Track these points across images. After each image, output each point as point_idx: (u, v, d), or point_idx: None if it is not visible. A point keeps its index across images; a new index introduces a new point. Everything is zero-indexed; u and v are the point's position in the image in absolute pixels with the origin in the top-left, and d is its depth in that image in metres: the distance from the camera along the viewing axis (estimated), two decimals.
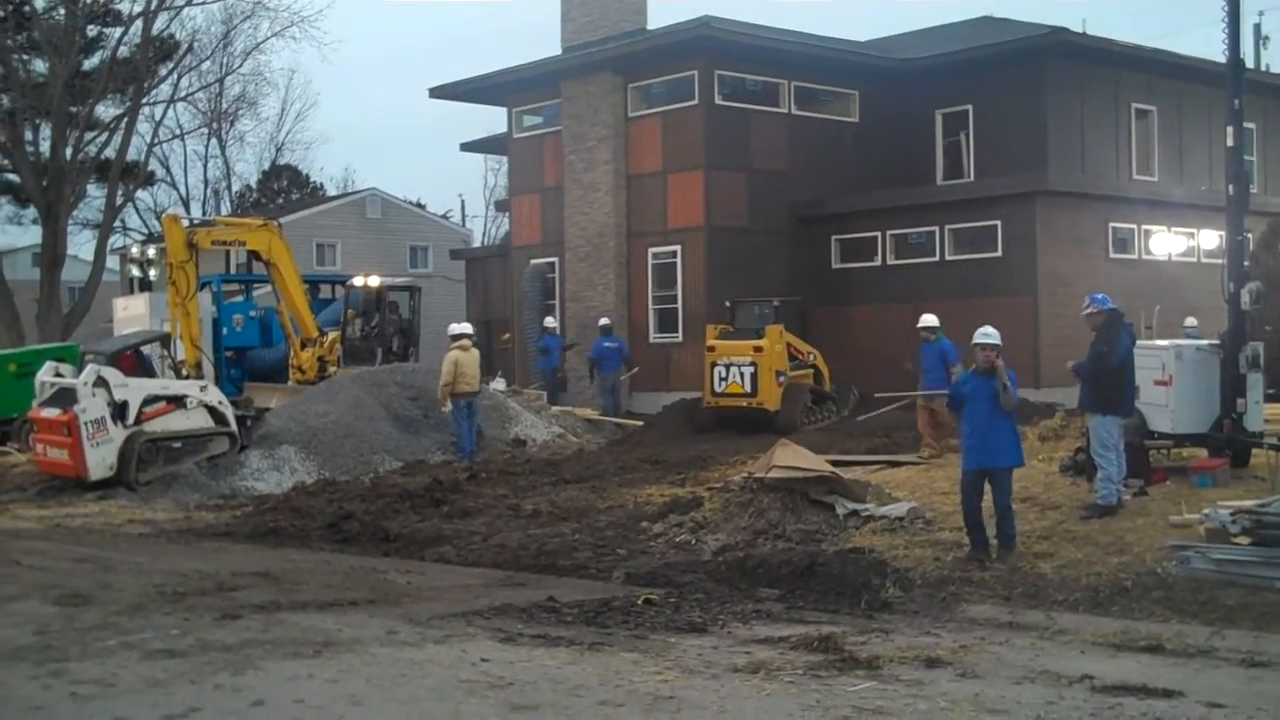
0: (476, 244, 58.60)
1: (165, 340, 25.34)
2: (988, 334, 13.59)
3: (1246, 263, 17.89)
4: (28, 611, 11.57)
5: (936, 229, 30.75)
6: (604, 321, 31.04)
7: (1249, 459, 16.28)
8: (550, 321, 32.60)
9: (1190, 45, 59.65)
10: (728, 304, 28.68)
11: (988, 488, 13.22)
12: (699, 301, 31.63)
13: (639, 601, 11.60)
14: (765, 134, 32.80)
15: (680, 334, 31.64)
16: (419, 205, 60.74)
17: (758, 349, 26.02)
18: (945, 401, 14.23)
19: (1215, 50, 17.29)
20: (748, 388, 25.96)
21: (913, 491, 15.63)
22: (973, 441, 13.23)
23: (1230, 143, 16.86)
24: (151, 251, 43.32)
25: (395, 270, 42.18)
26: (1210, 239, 30.78)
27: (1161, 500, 14.75)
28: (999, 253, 29.53)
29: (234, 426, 21.87)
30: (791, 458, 15.73)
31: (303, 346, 28.35)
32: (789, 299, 28.77)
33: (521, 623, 10.93)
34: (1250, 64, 41.50)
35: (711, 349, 26.60)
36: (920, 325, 21.07)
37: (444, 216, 63.04)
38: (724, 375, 26.21)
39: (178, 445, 21.26)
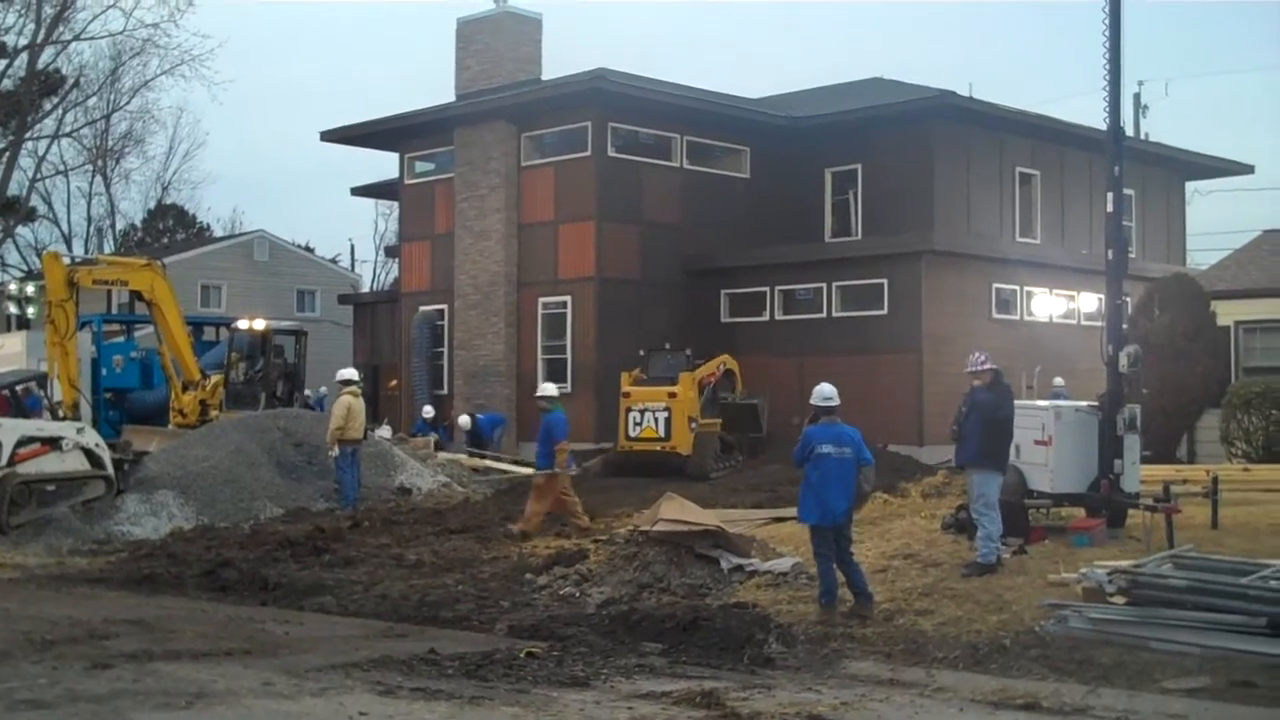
0: (365, 289, 58.20)
1: (42, 380, 24.75)
2: (827, 396, 13.66)
3: (1125, 326, 18.28)
4: None
5: (824, 285, 31.11)
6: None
7: (1125, 520, 16.56)
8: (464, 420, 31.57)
9: (1073, 111, 61.36)
10: (641, 352, 29.11)
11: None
12: (588, 352, 31.66)
13: (521, 654, 11.49)
14: (657, 187, 33.02)
15: (570, 384, 31.60)
16: (308, 249, 60.22)
17: (672, 395, 26.72)
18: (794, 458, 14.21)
19: (1097, 117, 17.72)
20: (661, 432, 26.62)
21: (797, 547, 15.67)
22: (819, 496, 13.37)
23: (1110, 209, 17.23)
24: (30, 289, 42.50)
25: (282, 314, 41.76)
26: (1090, 301, 31.46)
27: (1040, 559, 14.93)
28: (885, 310, 29.95)
29: (111, 470, 21.37)
30: (678, 511, 15.73)
31: (184, 389, 27.89)
32: (685, 353, 29.00)
33: (401, 675, 10.78)
34: (1130, 131, 42.62)
35: (627, 394, 27.25)
36: (538, 395, 20.23)
37: (333, 260, 62.56)
38: (639, 420, 26.83)
39: (52, 488, 20.72)
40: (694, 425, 26.70)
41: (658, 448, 26.70)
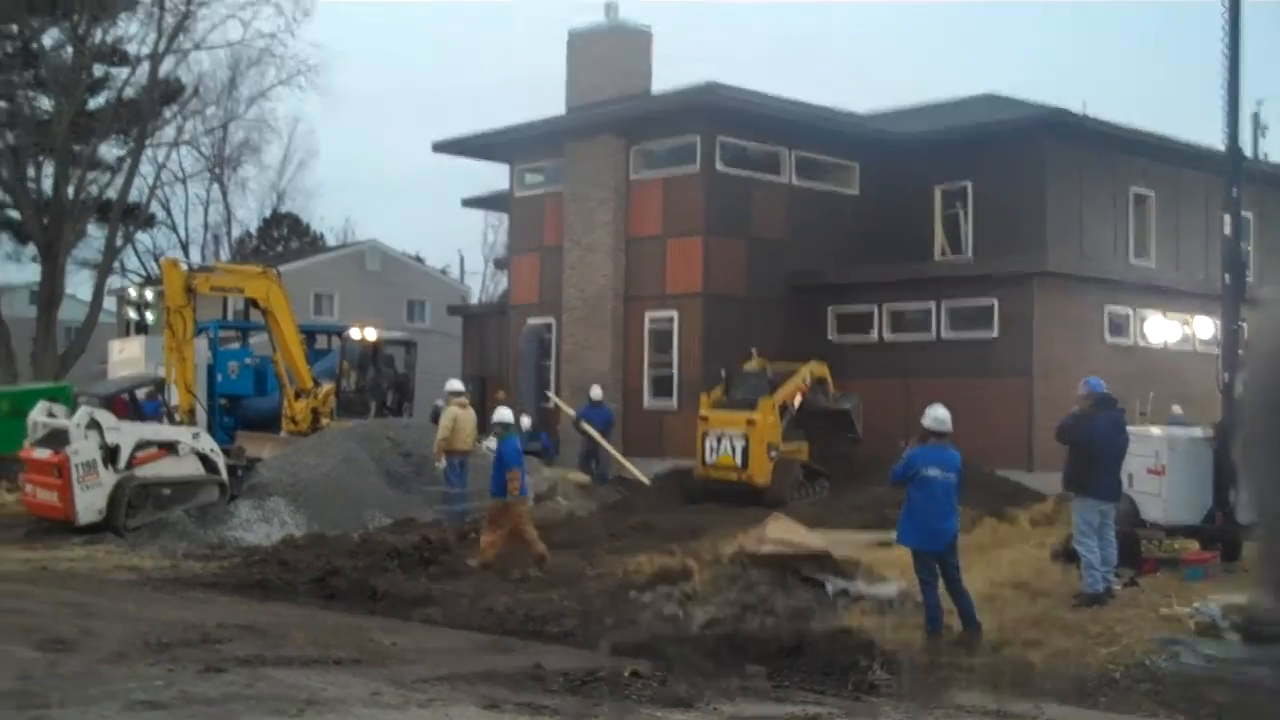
0: (474, 300, 58.70)
1: (160, 385, 25.29)
2: (940, 418, 13.55)
3: (1241, 352, 17.95)
4: (9, 656, 11.51)
5: (933, 305, 30.82)
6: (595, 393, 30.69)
7: (1241, 553, 16.25)
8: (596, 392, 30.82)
9: (1190, 131, 60.22)
10: (723, 370, 28.40)
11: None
12: (695, 368, 31.64)
13: (625, 673, 11.53)
14: (765, 202, 32.97)
15: (675, 401, 31.63)
16: (418, 259, 60.88)
17: (750, 422, 25.74)
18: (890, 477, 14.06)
19: (1215, 137, 17.43)
20: (739, 461, 25.68)
21: (903, 572, 15.52)
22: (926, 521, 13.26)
23: (1227, 231, 16.97)
24: (149, 294, 43.39)
25: (392, 324, 42.18)
26: (1206, 326, 30.86)
27: (1152, 591, 14.72)
28: (994, 333, 29.61)
29: (225, 475, 21.83)
30: (783, 532, 15.68)
31: (297, 397, 28.30)
32: (789, 369, 28.51)
33: (507, 689, 10.87)
34: (1248, 152, 41.77)
35: (704, 419, 26.41)
36: (494, 420, 18.94)
37: (443, 271, 63.20)
38: (715, 447, 26.01)
39: (167, 492, 21.20)
40: (774, 454, 25.93)
41: (734, 477, 25.85)
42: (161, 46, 46.84)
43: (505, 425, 18.56)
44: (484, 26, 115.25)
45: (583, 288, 33.87)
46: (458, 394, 23.64)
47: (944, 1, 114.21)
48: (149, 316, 42.10)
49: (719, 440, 25.90)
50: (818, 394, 28.18)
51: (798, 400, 27.25)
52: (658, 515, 23.67)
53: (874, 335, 32.00)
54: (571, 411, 30.51)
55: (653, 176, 33.47)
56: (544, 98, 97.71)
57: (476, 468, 24.24)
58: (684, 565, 16.77)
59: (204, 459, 21.66)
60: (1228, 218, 17.03)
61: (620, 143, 33.63)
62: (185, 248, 65.45)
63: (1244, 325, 20.46)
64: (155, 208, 61.25)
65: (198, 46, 49.39)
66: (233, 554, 19.50)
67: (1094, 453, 14.79)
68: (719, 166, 32.29)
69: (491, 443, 29.20)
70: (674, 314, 32.38)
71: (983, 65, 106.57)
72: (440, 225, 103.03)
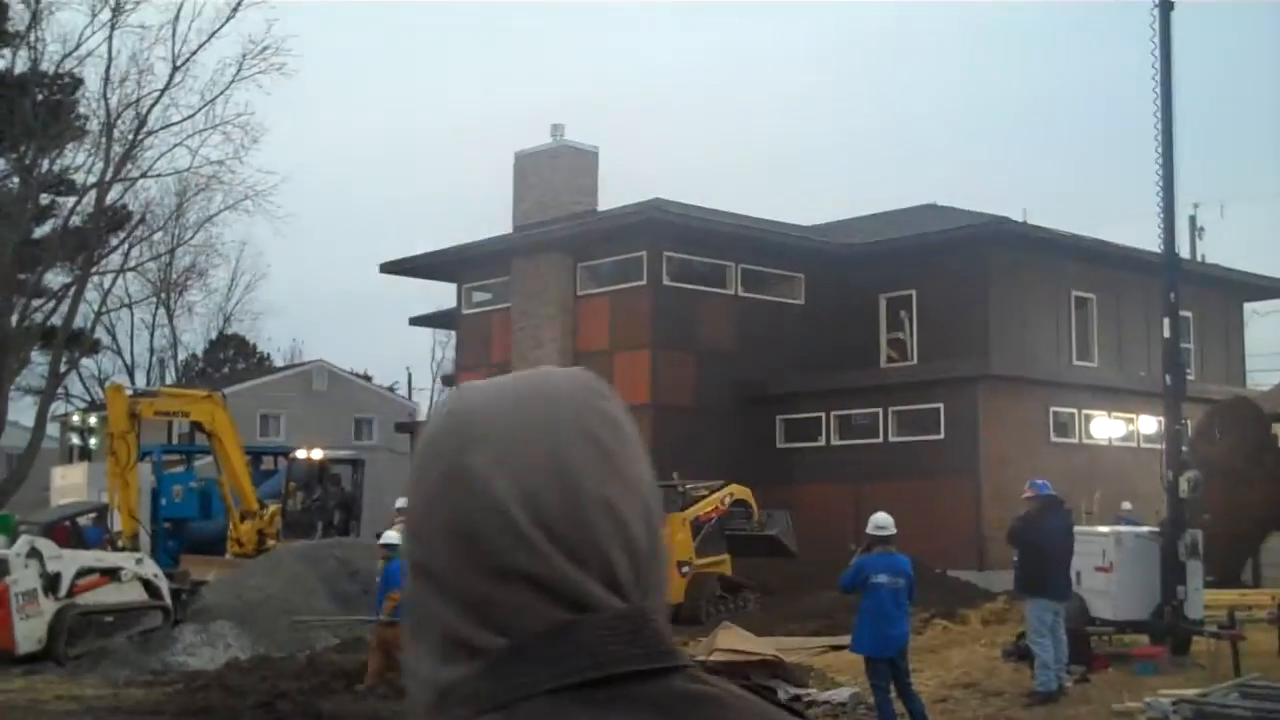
0: (422, 417, 58.43)
1: (103, 511, 24.98)
2: (881, 525, 13.53)
3: (1185, 450, 18.11)
4: None
5: (880, 410, 31.01)
6: None
7: (1190, 647, 16.27)
8: None
9: (1129, 235, 61.30)
10: None
11: None
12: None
13: None
14: (712, 315, 33.16)
15: None
16: (365, 377, 60.71)
17: None
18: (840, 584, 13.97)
19: (1153, 240, 17.73)
20: None
21: (854, 676, 15.43)
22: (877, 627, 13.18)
23: (1166, 334, 17.19)
24: (93, 420, 43.02)
25: (340, 442, 41.98)
26: (1150, 424, 31.15)
27: (1103, 688, 14.67)
28: (942, 435, 29.79)
29: (168, 600, 21.48)
30: (734, 640, 15.58)
31: (242, 519, 28.01)
32: (708, 484, 27.30)
33: None
34: (1186, 254, 42.48)
35: None
36: (380, 542, 18.95)
37: (390, 389, 62.98)
38: None
39: (110, 619, 20.82)
40: (685, 570, 24.48)
41: None
42: (109, 175, 46.91)
43: (391, 547, 18.49)
44: (432, 149, 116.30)
45: None
46: (404, 510, 23.44)
47: (885, 115, 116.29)
48: (93, 442, 41.72)
49: None
50: (739, 518, 26.94)
51: (714, 518, 25.92)
52: None
53: (822, 441, 32.10)
54: None
55: (600, 292, 33.65)
56: (492, 217, 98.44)
57: None
58: None
59: (147, 584, 21.32)
60: (1166, 321, 17.27)
61: (567, 260, 33.83)
62: (131, 372, 65.02)
63: (1186, 423, 20.70)
64: (100, 333, 60.91)
65: (145, 175, 49.49)
66: (176, 680, 19.09)
67: (1044, 555, 14.81)
68: (665, 281, 32.52)
69: None
70: None
71: (923, 176, 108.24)
72: (388, 344, 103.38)
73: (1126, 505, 27.67)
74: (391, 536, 18.69)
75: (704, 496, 26.12)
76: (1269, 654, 16.19)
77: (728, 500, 26.34)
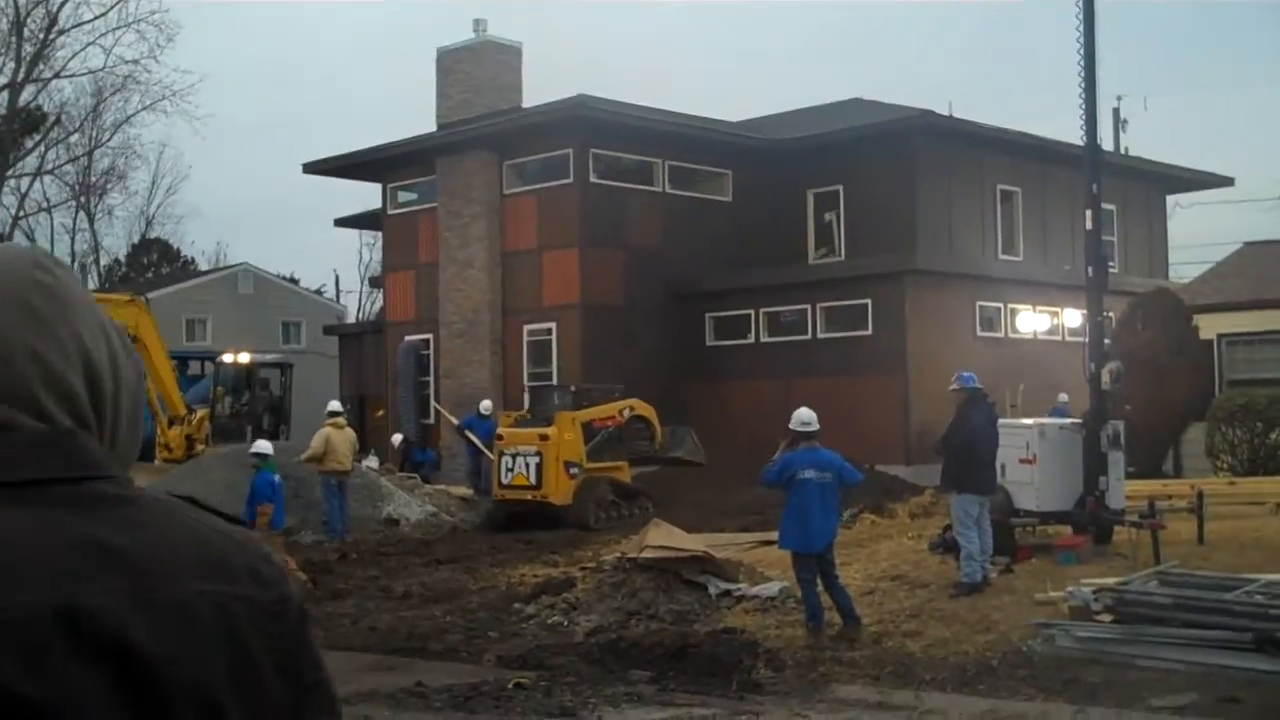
0: (351, 320, 58.14)
1: None
2: (805, 421, 13.61)
3: (1107, 342, 18.35)
4: None
5: (809, 307, 31.16)
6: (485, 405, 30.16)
7: (1111, 536, 16.60)
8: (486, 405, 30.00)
9: (1054, 128, 61.50)
10: (529, 390, 27.39)
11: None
12: (575, 379, 31.57)
13: (509, 685, 11.48)
14: (640, 212, 33.08)
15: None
16: (292, 280, 60.17)
17: (543, 437, 23.59)
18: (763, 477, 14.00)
19: (1077, 133, 17.80)
20: (532, 479, 23.47)
21: (784, 571, 15.63)
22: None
23: (1089, 226, 17.32)
24: None
25: (268, 346, 41.67)
26: (1074, 317, 31.47)
27: (1027, 578, 14.96)
28: (869, 330, 30.01)
29: None
30: (664, 537, 15.73)
31: (170, 425, 27.86)
32: (603, 385, 27.30)
33: (389, 709, 10.76)
34: (1110, 147, 42.78)
35: (500, 437, 24.34)
36: (252, 451, 19.14)
37: (318, 292, 62.50)
38: (510, 466, 23.77)
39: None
40: (574, 471, 23.59)
41: (528, 496, 23.49)
42: (20, 75, 45.89)
43: (262, 457, 18.41)
44: (353, 47, 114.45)
45: (459, 303, 33.72)
46: (334, 414, 23.42)
47: (809, 9, 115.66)
48: None
49: (514, 459, 23.69)
50: (642, 438, 26.03)
51: (609, 426, 25.05)
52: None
53: (751, 339, 32.26)
54: (455, 420, 30.31)
55: (527, 190, 33.45)
56: (416, 117, 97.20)
57: (355, 488, 24.06)
58: (567, 575, 16.78)
59: None
60: (1089, 213, 17.39)
61: (493, 158, 33.55)
62: None
63: (1109, 316, 20.97)
64: (19, 238, 59.95)
65: (58, 75, 48.48)
66: None
67: (971, 450, 14.99)
68: (593, 178, 32.35)
69: (373, 462, 29.15)
70: (552, 326, 32.36)
71: (849, 71, 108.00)
72: (315, 246, 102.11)
73: (1063, 397, 27.86)
74: (262, 446, 18.65)
75: (602, 402, 25.47)
76: (1189, 543, 16.55)
77: (627, 413, 25.42)
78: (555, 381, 31.37)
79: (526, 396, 27.35)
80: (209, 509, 1.55)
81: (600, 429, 24.64)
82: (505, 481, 23.85)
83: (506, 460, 23.81)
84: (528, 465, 23.48)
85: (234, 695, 1.38)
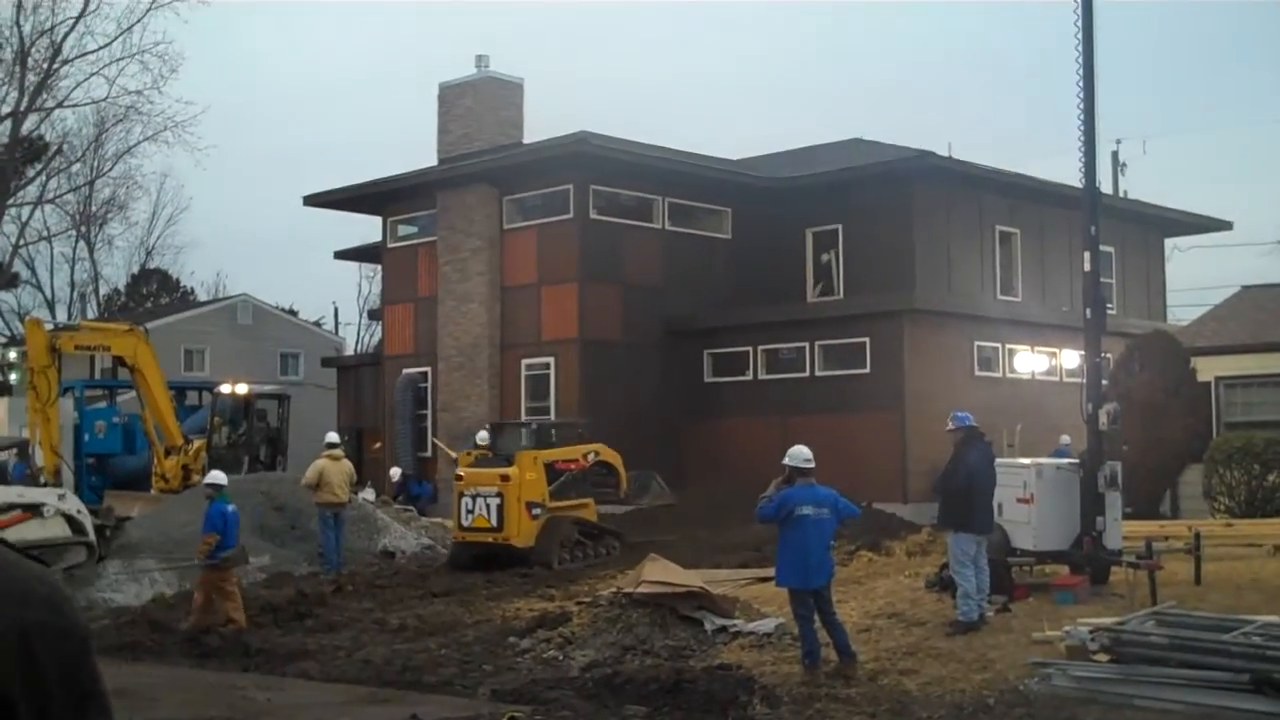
0: (349, 352, 58.14)
1: (24, 447, 24.66)
2: (807, 458, 13.59)
3: (1105, 383, 18.38)
4: None
5: (807, 344, 31.20)
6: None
7: (1109, 576, 16.59)
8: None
9: (1052, 170, 61.77)
10: (486, 427, 27.16)
11: None
12: (572, 413, 31.63)
13: (504, 719, 11.43)
14: (639, 249, 33.15)
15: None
16: (291, 312, 60.21)
17: (504, 478, 22.70)
18: (760, 514, 13.92)
19: (1075, 175, 17.88)
20: (493, 521, 22.60)
21: (780, 607, 15.62)
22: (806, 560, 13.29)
23: (1087, 267, 17.36)
24: (13, 355, 42.45)
25: (266, 377, 41.66)
26: (1072, 358, 31.51)
27: (1024, 617, 14.94)
28: (867, 369, 30.03)
29: (92, 536, 21.25)
30: (661, 573, 15.71)
31: (166, 454, 27.80)
32: (567, 420, 27.07)
33: None
34: (1108, 189, 42.93)
35: (460, 477, 23.52)
36: (206, 481, 18.89)
37: (316, 324, 62.53)
38: (470, 507, 22.88)
39: (32, 555, 20.59)
40: (536, 511, 22.74)
41: (489, 539, 22.64)
42: (24, 105, 46.04)
43: (216, 487, 18.44)
44: (356, 80, 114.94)
45: (458, 337, 33.76)
46: (331, 446, 23.42)
47: (809, 50, 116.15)
48: (13, 377, 41.15)
49: (474, 500, 22.84)
50: (604, 486, 25.16)
51: (572, 469, 24.14)
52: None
53: (749, 376, 32.28)
54: (453, 454, 30.31)
55: (526, 225, 33.54)
56: (416, 151, 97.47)
57: (351, 520, 24.04)
58: (563, 609, 16.74)
59: (70, 520, 21.08)
60: (1087, 255, 17.45)
61: (493, 193, 33.66)
62: (51, 307, 64.15)
63: (1107, 357, 21.00)
64: (19, 267, 60.09)
65: (61, 105, 48.65)
66: (101, 616, 18.99)
67: (969, 490, 14.99)
68: (592, 214, 32.45)
69: (370, 494, 29.13)
70: (550, 360, 32.38)
71: (850, 111, 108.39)
72: (314, 278, 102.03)
73: (1065, 439, 27.82)
74: (217, 476, 18.64)
75: (567, 438, 24.98)
76: (1186, 584, 16.55)
77: (591, 457, 24.68)
78: (552, 417, 31.43)
79: (488, 432, 26.55)
80: (13, 548, 1.91)
81: (564, 471, 23.81)
82: (466, 524, 22.97)
83: (466, 501, 22.94)
84: (488, 506, 22.68)
85: (25, 698, 1.76)
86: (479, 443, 27.20)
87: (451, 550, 23.75)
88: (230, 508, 17.94)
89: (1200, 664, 11.48)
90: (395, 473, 32.10)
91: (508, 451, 24.15)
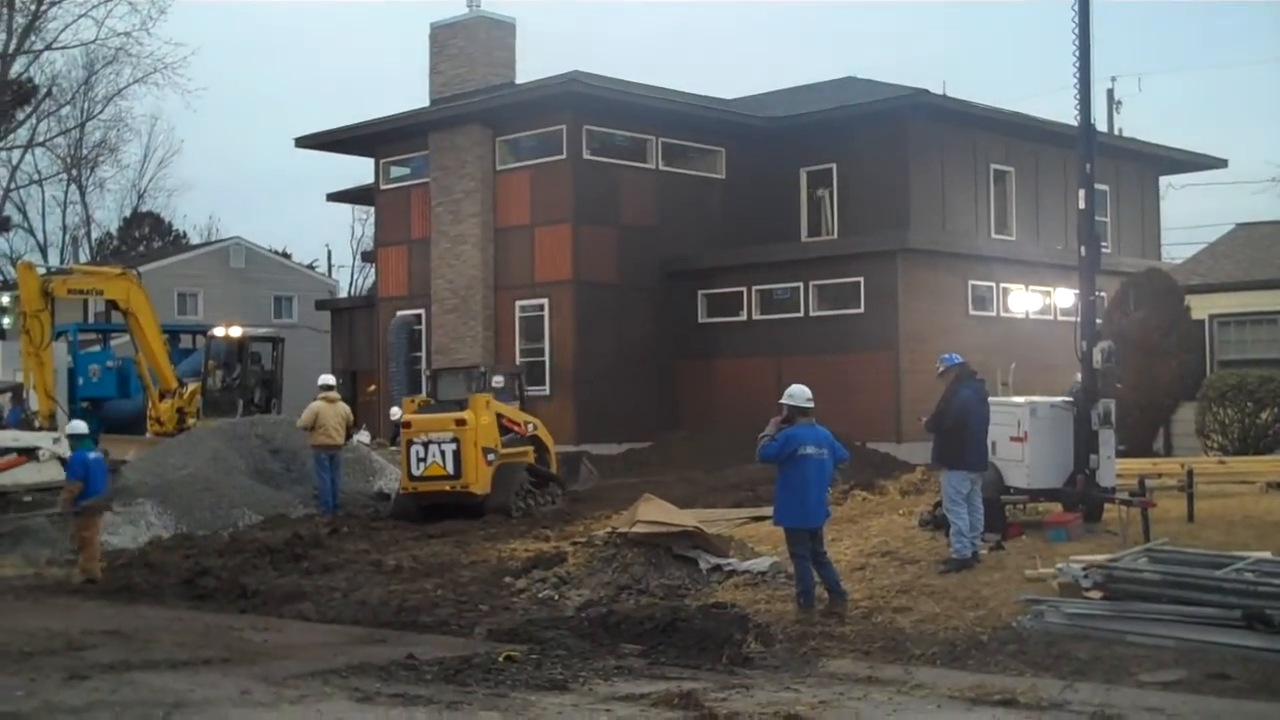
0: (343, 295, 58.05)
1: (18, 391, 24.65)
2: (809, 397, 13.59)
3: (1099, 322, 18.36)
4: None
5: (801, 285, 31.17)
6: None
7: (1102, 514, 16.63)
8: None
9: (1047, 108, 61.38)
10: (427, 371, 26.52)
11: None
12: (567, 355, 31.69)
13: (500, 659, 11.49)
14: (633, 189, 33.05)
15: (548, 387, 31.59)
16: (284, 255, 60.05)
17: (460, 422, 21.96)
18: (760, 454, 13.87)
19: (1070, 113, 17.77)
20: (450, 468, 21.83)
21: (775, 546, 15.69)
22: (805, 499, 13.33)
23: (1082, 205, 17.29)
24: (5, 299, 42.30)
25: (259, 320, 41.62)
26: (1066, 297, 31.44)
27: (1017, 554, 15.00)
28: (861, 309, 30.03)
29: None
30: (655, 512, 15.75)
31: (161, 398, 27.82)
32: (506, 368, 26.74)
33: (380, 681, 10.77)
34: (1103, 127, 42.77)
35: (408, 425, 22.51)
36: (68, 432, 18.88)
37: (310, 266, 62.36)
38: (422, 455, 22.00)
39: (29, 498, 20.65)
40: (491, 457, 22.16)
41: (446, 487, 21.87)
42: (12, 47, 45.71)
43: (76, 436, 18.43)
44: (346, 21, 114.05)
45: (452, 279, 33.70)
46: (326, 388, 23.41)
47: None
48: (6, 322, 41.02)
49: (425, 447, 21.99)
50: (540, 461, 24.10)
51: (513, 430, 23.45)
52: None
53: (743, 316, 32.26)
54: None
55: (520, 166, 33.41)
56: (409, 91, 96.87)
57: (347, 462, 24.07)
58: (558, 549, 16.81)
59: (66, 463, 21.12)
60: (1082, 192, 17.36)
61: (486, 133, 33.50)
62: (44, 250, 64.03)
63: (1101, 295, 20.98)
64: (10, 211, 59.86)
65: (50, 47, 48.32)
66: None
67: (965, 427, 15.01)
68: (586, 155, 32.31)
69: (365, 436, 29.15)
70: (544, 302, 32.35)
71: (843, 49, 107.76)
72: (307, 220, 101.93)
73: (1079, 377, 27.71)
74: (77, 426, 18.70)
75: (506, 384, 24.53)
76: (1178, 520, 16.61)
77: (530, 428, 24.00)
78: (547, 358, 31.49)
79: (425, 381, 25.83)
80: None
81: (508, 430, 23.16)
82: (417, 473, 22.04)
83: (417, 449, 22.03)
84: (443, 453, 21.87)
85: None
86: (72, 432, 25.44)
87: (395, 502, 22.91)
88: (93, 455, 17.97)
89: (1192, 600, 11.55)
90: (395, 413, 31.77)
91: (447, 397, 23.59)
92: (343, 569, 17.23)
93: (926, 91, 33.26)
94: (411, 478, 22.16)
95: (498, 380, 24.23)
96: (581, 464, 25.26)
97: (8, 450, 20.74)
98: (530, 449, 23.63)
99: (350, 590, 15.72)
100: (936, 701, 10.00)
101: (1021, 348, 29.58)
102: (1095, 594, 12.14)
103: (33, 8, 45.57)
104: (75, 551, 17.78)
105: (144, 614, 14.90)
